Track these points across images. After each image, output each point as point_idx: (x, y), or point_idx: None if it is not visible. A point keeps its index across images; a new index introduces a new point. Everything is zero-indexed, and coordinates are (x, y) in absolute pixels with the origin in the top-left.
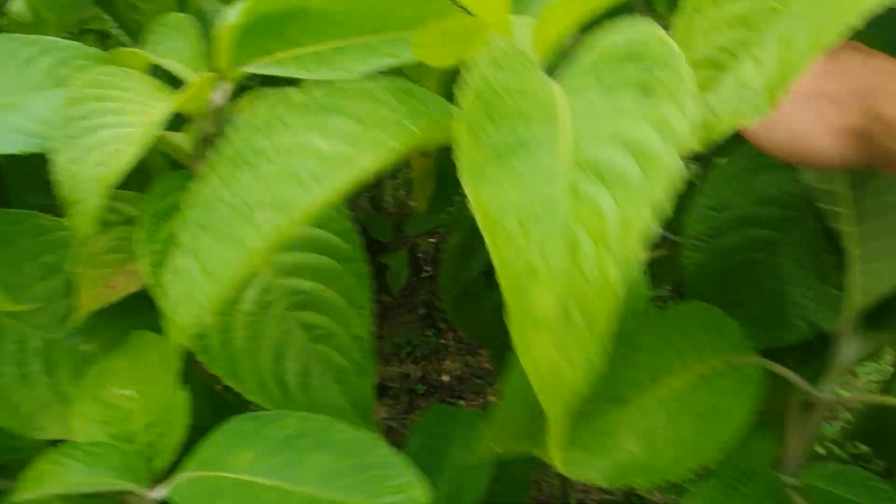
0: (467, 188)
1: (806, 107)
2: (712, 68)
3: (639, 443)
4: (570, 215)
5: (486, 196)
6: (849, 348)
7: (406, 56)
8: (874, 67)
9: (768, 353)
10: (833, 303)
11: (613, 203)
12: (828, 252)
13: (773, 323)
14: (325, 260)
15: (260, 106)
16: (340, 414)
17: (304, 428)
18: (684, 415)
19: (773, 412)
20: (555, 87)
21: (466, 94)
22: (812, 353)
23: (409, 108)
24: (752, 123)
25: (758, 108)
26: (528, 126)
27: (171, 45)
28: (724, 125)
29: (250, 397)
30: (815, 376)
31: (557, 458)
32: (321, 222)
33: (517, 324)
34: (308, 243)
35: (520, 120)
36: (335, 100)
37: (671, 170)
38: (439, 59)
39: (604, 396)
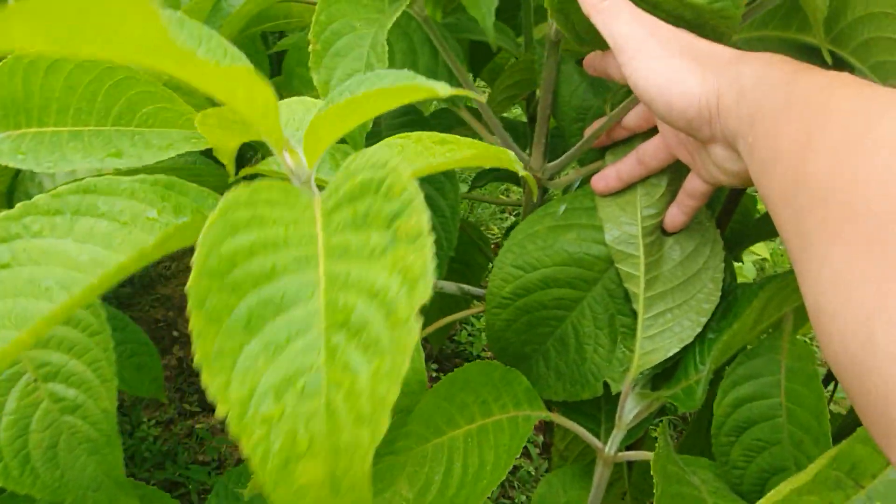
0: (210, 382)
1: (684, 61)
2: None
3: (412, 489)
4: (330, 382)
5: (237, 384)
6: (629, 407)
7: (144, 154)
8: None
9: (574, 406)
10: (625, 364)
11: (365, 363)
12: (623, 314)
13: (574, 378)
14: (72, 332)
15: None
16: (96, 486)
17: None
18: (457, 465)
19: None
20: (316, 219)
21: (195, 274)
22: (609, 410)
23: (173, 204)
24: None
25: None
26: (282, 280)
27: None
28: None
29: None
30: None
31: None
32: None
33: None
34: None
35: (270, 278)
36: (89, 200)
37: (413, 327)
38: (224, 141)
39: (383, 450)
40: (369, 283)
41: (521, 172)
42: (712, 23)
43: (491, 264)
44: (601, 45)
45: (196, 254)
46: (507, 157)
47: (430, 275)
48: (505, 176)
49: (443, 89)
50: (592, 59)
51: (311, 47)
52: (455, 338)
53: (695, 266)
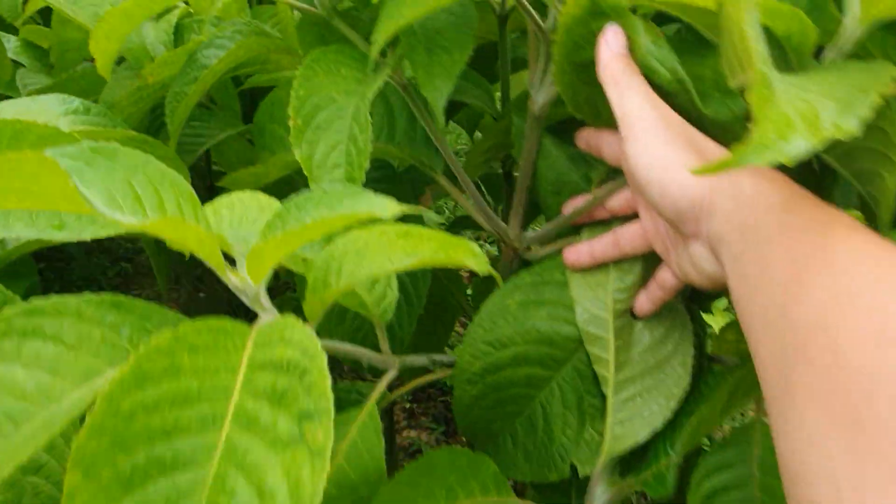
0: None
1: (688, 153)
2: None
3: None
4: None
5: None
6: (599, 493)
7: (86, 229)
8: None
9: (541, 488)
10: (592, 446)
11: None
12: (592, 395)
13: (542, 459)
14: None
15: None
16: None
17: None
18: None
19: None
20: (240, 368)
21: (85, 433)
22: (579, 491)
23: (128, 325)
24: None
25: None
26: (180, 440)
27: None
28: None
29: None
30: None
31: None
32: None
33: None
34: None
35: (168, 436)
36: (35, 322)
37: None
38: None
39: None
40: (262, 476)
41: (485, 271)
42: (713, 131)
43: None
44: (598, 119)
45: (93, 411)
46: (471, 252)
47: (319, 497)
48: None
49: (385, 210)
50: (586, 134)
51: (291, 122)
52: None
53: (664, 350)
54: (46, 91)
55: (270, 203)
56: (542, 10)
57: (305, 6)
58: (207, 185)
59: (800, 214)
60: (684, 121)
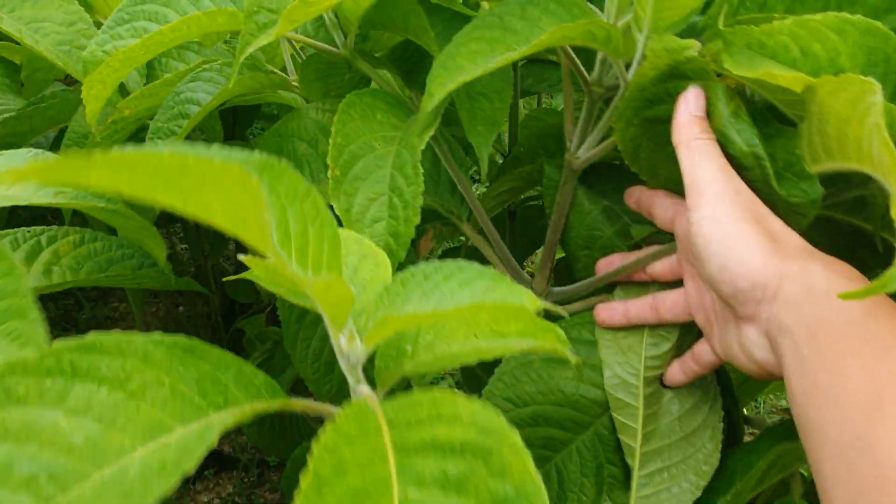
0: None
1: (756, 231)
2: None
3: None
4: None
5: None
6: None
7: None
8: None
9: None
10: None
11: None
12: (612, 464)
13: None
14: None
15: None
16: None
17: None
18: None
19: None
20: (388, 455)
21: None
22: None
23: (199, 374)
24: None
25: None
26: None
27: None
28: None
29: None
30: None
31: None
32: None
33: None
34: None
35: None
36: (90, 360)
37: None
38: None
39: None
40: None
41: (573, 360)
42: (783, 212)
43: None
44: (654, 178)
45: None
46: (559, 339)
47: None
48: None
49: (531, 303)
50: (638, 193)
51: (329, 173)
52: None
53: (693, 423)
54: (14, 119)
55: (377, 253)
56: (584, 57)
57: (326, 46)
58: (194, 226)
59: (881, 325)
60: (755, 196)
